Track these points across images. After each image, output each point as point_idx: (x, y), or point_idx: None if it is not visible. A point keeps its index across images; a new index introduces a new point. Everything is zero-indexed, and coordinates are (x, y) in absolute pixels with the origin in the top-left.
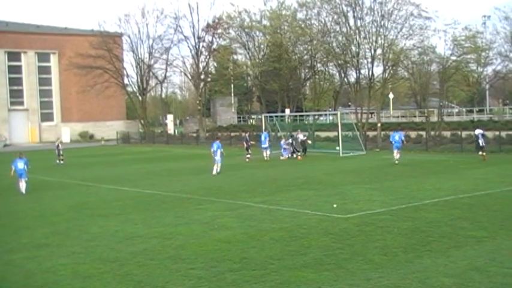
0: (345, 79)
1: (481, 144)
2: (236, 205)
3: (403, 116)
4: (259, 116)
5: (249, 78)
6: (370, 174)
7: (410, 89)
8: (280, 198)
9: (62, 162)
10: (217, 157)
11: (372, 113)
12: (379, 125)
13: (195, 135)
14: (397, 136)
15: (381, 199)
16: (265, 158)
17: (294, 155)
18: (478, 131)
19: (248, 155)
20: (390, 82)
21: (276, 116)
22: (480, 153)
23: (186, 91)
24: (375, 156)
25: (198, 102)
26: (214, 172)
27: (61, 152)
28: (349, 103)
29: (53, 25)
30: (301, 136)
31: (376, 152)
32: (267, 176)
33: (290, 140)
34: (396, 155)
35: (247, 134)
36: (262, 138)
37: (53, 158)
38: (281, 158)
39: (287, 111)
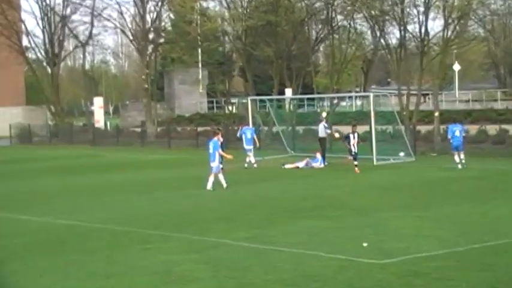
0: (382, 40)
1: None
2: (206, 243)
3: (477, 100)
4: (244, 101)
5: (227, 39)
6: (421, 194)
7: (488, 55)
8: (276, 231)
9: None
10: (214, 163)
11: (425, 96)
12: (437, 114)
13: (139, 130)
14: (457, 131)
15: (437, 234)
16: (248, 165)
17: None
18: None
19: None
20: (455, 45)
21: (271, 100)
22: None
23: (125, 60)
24: (429, 165)
25: (144, 77)
26: (209, 186)
27: None
28: (388, 79)
29: None
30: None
31: (431, 157)
32: (255, 196)
33: (348, 136)
34: (457, 157)
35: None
36: (248, 135)
37: None
38: (313, 165)
39: (288, 92)
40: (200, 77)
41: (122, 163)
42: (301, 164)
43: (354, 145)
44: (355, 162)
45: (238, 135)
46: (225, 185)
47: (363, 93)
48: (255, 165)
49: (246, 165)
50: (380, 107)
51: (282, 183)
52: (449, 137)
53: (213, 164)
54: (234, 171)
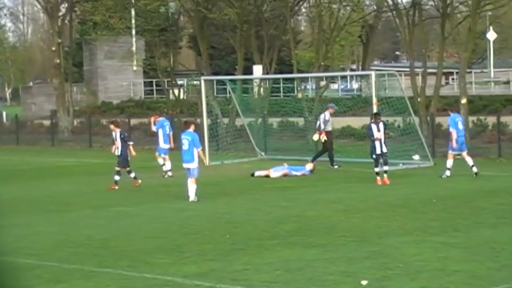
0: None
1: None
2: (144, 281)
3: None
4: (195, 82)
5: None
6: (443, 213)
7: None
8: (240, 265)
9: None
10: (193, 164)
11: (448, 76)
12: (464, 101)
13: (48, 124)
14: (459, 122)
15: (468, 268)
16: (165, 174)
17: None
18: None
19: (131, 174)
20: (490, 4)
21: (233, 82)
22: None
23: (28, 25)
24: (453, 172)
25: (54, 49)
26: (192, 196)
27: None
28: (397, 53)
29: None
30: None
31: (456, 161)
32: (211, 217)
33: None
34: (467, 158)
35: (118, 131)
36: (167, 129)
37: None
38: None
39: (257, 70)
40: (134, 48)
41: (23, 170)
42: (275, 173)
43: (380, 141)
44: (377, 169)
45: (155, 129)
46: (192, 197)
47: (361, 72)
48: (170, 173)
49: (166, 172)
50: (385, 90)
51: (248, 199)
52: (453, 130)
53: (191, 166)
54: (175, 182)
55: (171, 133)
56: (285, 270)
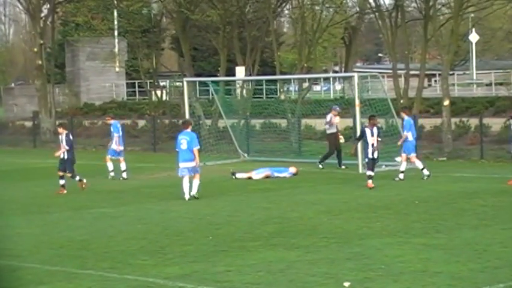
0: None
1: None
2: (126, 283)
3: (502, 83)
4: (177, 83)
5: None
6: (426, 214)
7: None
8: (223, 267)
9: None
10: (193, 162)
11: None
12: (446, 103)
13: (30, 125)
14: (413, 126)
15: (451, 270)
16: (114, 176)
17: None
18: None
19: (77, 178)
20: (472, 6)
21: (216, 83)
22: None
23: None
24: (436, 173)
25: (36, 50)
26: (187, 194)
27: None
28: (380, 54)
29: None
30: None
31: (439, 163)
32: (193, 218)
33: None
34: (417, 162)
35: (64, 134)
36: (120, 132)
37: None
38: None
39: (240, 71)
40: (116, 50)
41: (5, 171)
42: (258, 175)
43: (372, 145)
44: (369, 173)
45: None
46: (187, 195)
47: (344, 74)
48: (125, 174)
49: (112, 174)
50: (368, 92)
51: (231, 201)
52: (408, 133)
53: (191, 164)
54: (150, 183)
55: (119, 135)
56: (267, 271)
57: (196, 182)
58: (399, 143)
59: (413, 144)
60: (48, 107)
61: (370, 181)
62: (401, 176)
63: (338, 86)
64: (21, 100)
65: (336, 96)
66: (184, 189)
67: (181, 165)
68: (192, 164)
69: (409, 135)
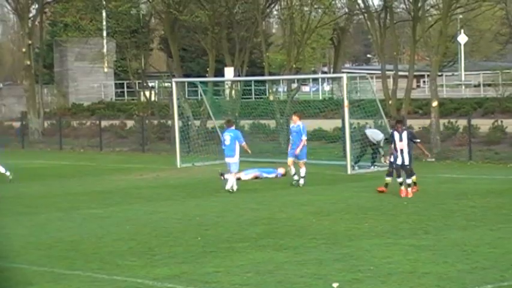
0: (359, 0)
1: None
2: (115, 284)
3: (490, 84)
4: (166, 84)
5: None
6: (414, 215)
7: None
8: (211, 268)
9: None
10: (234, 159)
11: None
12: (435, 104)
13: (18, 125)
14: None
15: (439, 271)
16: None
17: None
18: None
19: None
20: (461, 8)
21: (204, 84)
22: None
23: None
24: (424, 174)
25: (25, 50)
26: (228, 185)
27: None
28: (368, 55)
29: None
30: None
31: (428, 164)
32: (182, 219)
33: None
34: (303, 168)
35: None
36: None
37: None
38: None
39: (229, 72)
40: (105, 50)
41: None
42: (247, 176)
43: (401, 152)
44: (388, 179)
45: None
46: (229, 186)
47: (332, 75)
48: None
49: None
50: (357, 93)
51: (219, 201)
52: (304, 138)
53: (232, 160)
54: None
55: None
56: (256, 272)
57: (231, 178)
58: (298, 149)
59: (305, 150)
60: (37, 107)
61: (402, 188)
62: (301, 181)
63: (327, 87)
64: (10, 100)
65: (325, 97)
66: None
67: (226, 160)
68: (232, 160)
69: (305, 141)
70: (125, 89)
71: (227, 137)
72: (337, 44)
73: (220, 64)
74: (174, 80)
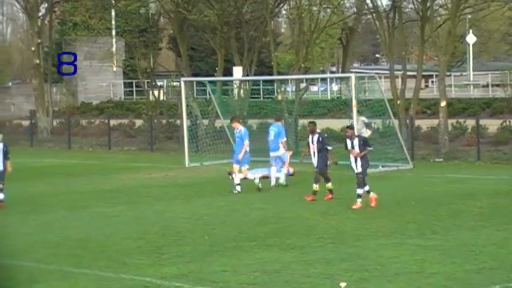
0: (368, 0)
1: None
2: (122, 282)
3: (499, 85)
4: (175, 83)
5: None
6: (422, 215)
7: None
8: (218, 267)
9: None
10: (278, 152)
11: (428, 78)
12: (443, 104)
13: (27, 124)
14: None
15: (446, 271)
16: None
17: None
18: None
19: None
20: (469, 8)
21: (213, 83)
22: None
23: (7, 24)
24: (432, 174)
25: (34, 49)
26: (273, 182)
27: None
28: (377, 55)
29: None
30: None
31: (436, 164)
32: (189, 218)
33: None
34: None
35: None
36: None
37: None
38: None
39: (237, 71)
40: (114, 49)
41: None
42: (253, 175)
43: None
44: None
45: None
46: (273, 182)
47: (341, 74)
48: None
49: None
50: (365, 93)
51: (227, 201)
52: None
53: (276, 154)
54: (159, 181)
55: None
56: (263, 272)
57: (283, 170)
58: (240, 155)
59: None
60: (46, 106)
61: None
62: (238, 188)
63: (335, 87)
64: (19, 99)
65: (333, 96)
66: (271, 177)
67: (270, 154)
68: (277, 154)
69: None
70: (134, 88)
71: (271, 132)
72: (346, 43)
73: (228, 63)
74: (182, 79)
